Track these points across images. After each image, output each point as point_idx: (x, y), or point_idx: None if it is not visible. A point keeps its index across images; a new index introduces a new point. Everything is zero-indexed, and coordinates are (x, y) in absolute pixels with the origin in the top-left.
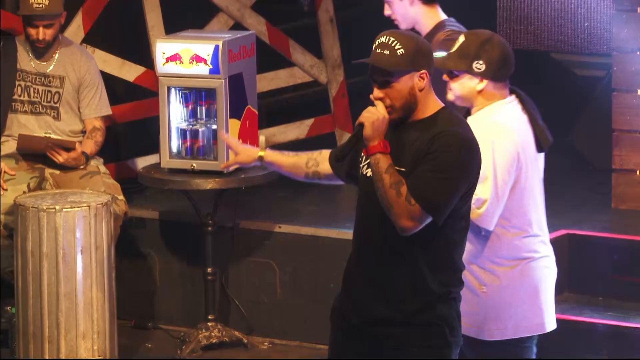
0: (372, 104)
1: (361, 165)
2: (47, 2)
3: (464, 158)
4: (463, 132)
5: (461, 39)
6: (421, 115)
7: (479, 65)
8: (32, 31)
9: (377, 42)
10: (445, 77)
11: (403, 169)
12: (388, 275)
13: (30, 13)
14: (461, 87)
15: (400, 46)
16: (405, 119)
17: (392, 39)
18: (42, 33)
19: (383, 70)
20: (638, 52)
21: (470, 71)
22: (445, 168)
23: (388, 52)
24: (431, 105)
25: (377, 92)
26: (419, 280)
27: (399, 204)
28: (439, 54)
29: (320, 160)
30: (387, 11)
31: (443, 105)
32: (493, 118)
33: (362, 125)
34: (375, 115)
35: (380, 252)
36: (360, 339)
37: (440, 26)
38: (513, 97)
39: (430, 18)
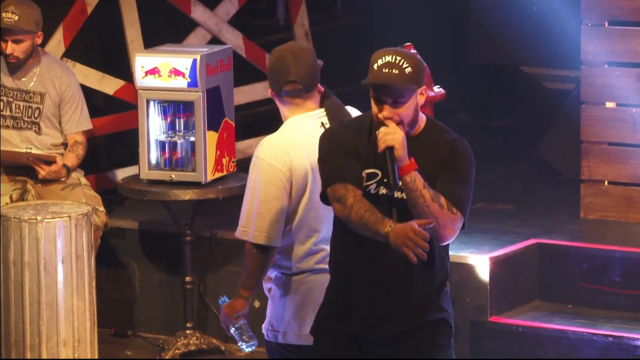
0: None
1: (367, 184)
2: (16, 18)
3: (474, 162)
4: (463, 139)
5: None
6: (418, 129)
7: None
8: (3, 45)
9: (381, 62)
10: None
11: None
12: (415, 284)
13: None
14: None
15: (407, 64)
16: (407, 134)
17: (398, 57)
18: (11, 48)
19: (395, 90)
20: (606, 66)
21: None
22: (467, 175)
23: (397, 72)
24: (422, 117)
25: (387, 112)
26: (441, 282)
27: (443, 215)
28: None
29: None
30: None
31: (425, 115)
32: (277, 133)
33: (391, 148)
34: (398, 134)
35: (399, 265)
36: (375, 350)
37: None
38: (317, 111)
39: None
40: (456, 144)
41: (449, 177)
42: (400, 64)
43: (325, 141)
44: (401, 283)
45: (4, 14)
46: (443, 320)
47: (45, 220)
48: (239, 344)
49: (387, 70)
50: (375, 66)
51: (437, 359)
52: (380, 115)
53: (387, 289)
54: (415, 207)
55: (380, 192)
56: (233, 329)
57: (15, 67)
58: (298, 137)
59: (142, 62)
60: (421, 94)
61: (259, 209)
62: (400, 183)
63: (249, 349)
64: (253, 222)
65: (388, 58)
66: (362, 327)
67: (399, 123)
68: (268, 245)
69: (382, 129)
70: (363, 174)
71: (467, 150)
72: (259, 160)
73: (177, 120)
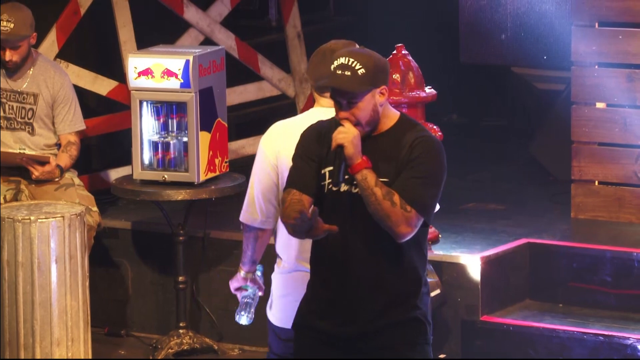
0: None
1: (325, 183)
2: (12, 26)
3: (441, 160)
4: (432, 136)
5: None
6: (385, 127)
7: None
8: (1, 54)
9: (335, 63)
10: None
11: (386, 179)
12: (383, 282)
13: None
14: None
15: (360, 66)
16: (370, 132)
17: (351, 59)
18: (10, 55)
19: (347, 92)
20: (596, 66)
21: None
22: (432, 173)
23: (349, 74)
24: (390, 115)
25: (343, 113)
26: (412, 282)
27: (396, 213)
28: None
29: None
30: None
31: (399, 112)
32: (289, 119)
33: (342, 146)
34: (350, 133)
35: (372, 261)
36: (351, 348)
37: None
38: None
39: None
40: (420, 141)
41: (410, 174)
42: (353, 65)
43: (299, 140)
44: (370, 282)
45: None
46: (416, 318)
47: (39, 220)
48: (237, 311)
49: (340, 72)
50: (331, 68)
51: (413, 358)
52: (335, 116)
53: (356, 287)
54: (368, 204)
55: (342, 189)
56: (241, 296)
57: (14, 71)
58: (302, 127)
59: (135, 62)
60: (381, 93)
61: (250, 190)
62: (342, 182)
63: (241, 322)
64: (245, 202)
65: (342, 60)
66: (335, 325)
67: (357, 124)
68: (250, 225)
69: (338, 128)
70: (324, 171)
71: (433, 148)
72: (260, 143)
73: (170, 120)
